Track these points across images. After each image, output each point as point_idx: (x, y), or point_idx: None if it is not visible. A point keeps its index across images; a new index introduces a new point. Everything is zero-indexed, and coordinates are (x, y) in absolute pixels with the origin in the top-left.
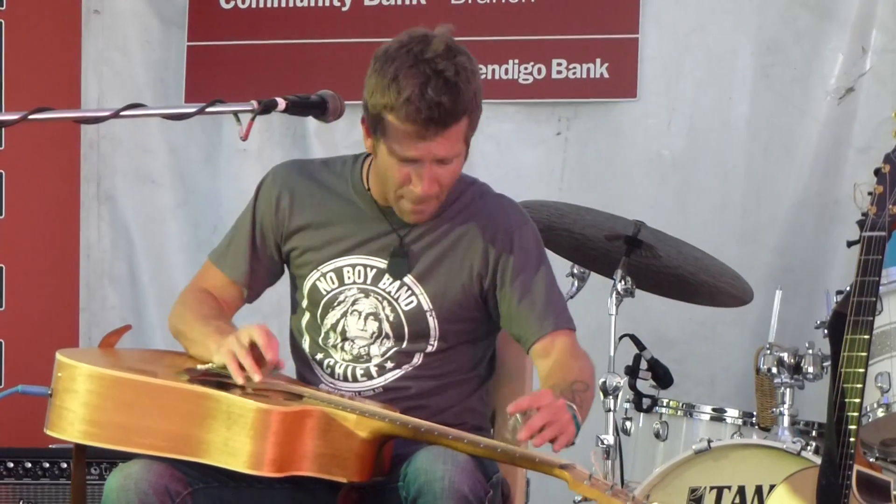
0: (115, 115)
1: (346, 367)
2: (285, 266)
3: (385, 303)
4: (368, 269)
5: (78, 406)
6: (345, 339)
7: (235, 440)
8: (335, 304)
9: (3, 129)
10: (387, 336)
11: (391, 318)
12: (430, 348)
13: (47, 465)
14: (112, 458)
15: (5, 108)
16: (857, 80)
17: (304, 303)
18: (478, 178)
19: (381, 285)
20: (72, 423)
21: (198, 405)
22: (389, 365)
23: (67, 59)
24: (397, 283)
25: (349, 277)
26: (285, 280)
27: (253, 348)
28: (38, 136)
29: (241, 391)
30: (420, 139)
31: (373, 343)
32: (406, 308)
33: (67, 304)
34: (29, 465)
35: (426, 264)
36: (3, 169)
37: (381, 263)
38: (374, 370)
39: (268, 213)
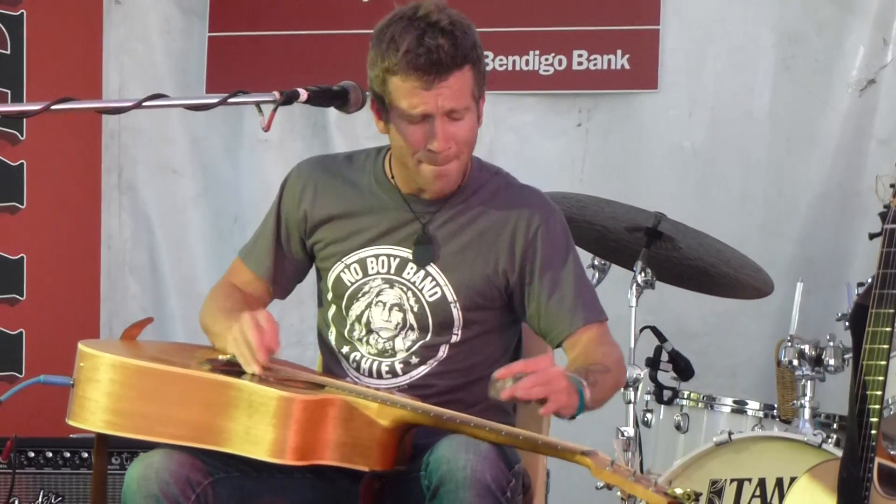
0: (138, 105)
1: (372, 361)
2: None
3: (409, 293)
4: (392, 258)
5: (100, 396)
6: (370, 330)
7: (257, 428)
8: (360, 294)
9: (25, 120)
10: (411, 327)
11: (415, 309)
12: (454, 338)
13: (68, 454)
14: (133, 448)
15: (27, 99)
16: (879, 72)
17: (330, 295)
18: (501, 168)
19: (405, 275)
20: (94, 413)
21: (220, 394)
22: (414, 360)
23: (89, 49)
24: (422, 272)
25: (373, 268)
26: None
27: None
28: (60, 127)
29: (262, 380)
30: (424, 89)
31: (397, 335)
32: (430, 299)
33: (88, 294)
34: (50, 454)
35: (450, 254)
36: (24, 159)
37: (405, 253)
38: (398, 367)
39: (292, 208)
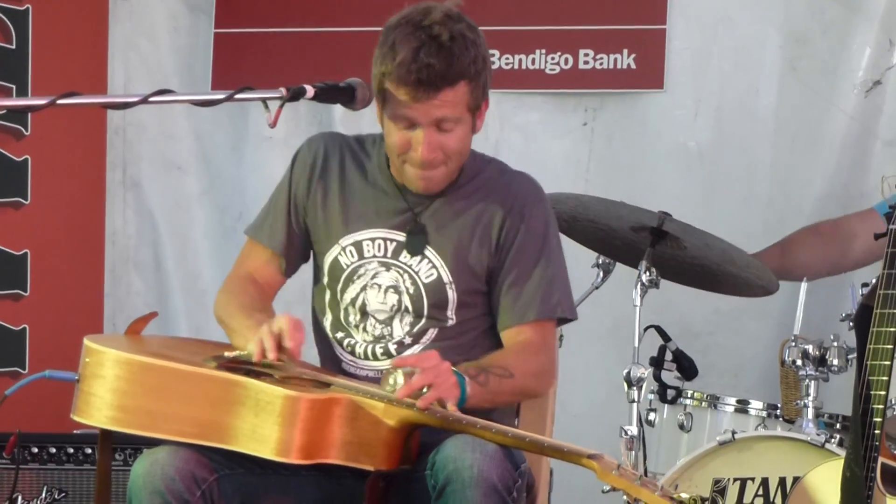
0: (144, 100)
1: (367, 346)
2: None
3: (406, 276)
4: (388, 242)
5: (105, 392)
6: (364, 314)
7: (263, 427)
8: (355, 277)
9: (30, 115)
10: (406, 310)
11: (411, 291)
12: (449, 321)
13: (72, 450)
14: (137, 444)
15: (32, 94)
16: (885, 73)
17: (325, 279)
18: (495, 157)
19: (401, 258)
20: (99, 409)
21: (226, 391)
22: (408, 341)
23: (94, 45)
24: (418, 256)
25: (369, 251)
26: (308, 268)
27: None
28: (65, 122)
29: (269, 378)
30: (414, 101)
31: (394, 318)
32: (426, 281)
33: (92, 289)
34: (53, 450)
35: (446, 238)
36: (29, 154)
37: (401, 237)
38: (392, 348)
39: (302, 180)
